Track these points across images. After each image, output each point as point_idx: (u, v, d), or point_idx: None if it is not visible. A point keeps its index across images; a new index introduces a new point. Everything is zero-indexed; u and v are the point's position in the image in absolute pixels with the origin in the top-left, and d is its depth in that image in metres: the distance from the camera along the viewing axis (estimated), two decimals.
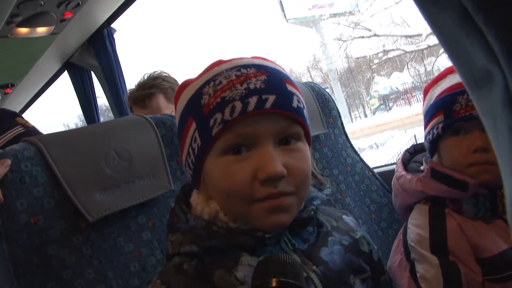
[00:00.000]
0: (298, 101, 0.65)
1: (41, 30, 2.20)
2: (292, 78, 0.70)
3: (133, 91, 1.77)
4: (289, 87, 0.65)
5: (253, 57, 0.70)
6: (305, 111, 0.67)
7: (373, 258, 0.77)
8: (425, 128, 1.04)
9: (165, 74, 1.81)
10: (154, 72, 1.81)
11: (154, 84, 1.73)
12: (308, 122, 0.68)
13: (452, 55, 0.28)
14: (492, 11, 0.23)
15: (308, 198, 0.72)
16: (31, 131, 1.45)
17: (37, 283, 0.78)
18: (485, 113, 0.27)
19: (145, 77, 1.79)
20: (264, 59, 0.70)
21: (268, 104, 0.61)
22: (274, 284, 0.52)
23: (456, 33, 0.26)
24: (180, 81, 1.14)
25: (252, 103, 0.61)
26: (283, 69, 0.70)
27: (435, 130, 0.98)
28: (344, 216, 0.81)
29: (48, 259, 0.80)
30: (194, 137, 0.66)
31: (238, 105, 0.61)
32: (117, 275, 0.86)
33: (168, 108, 1.72)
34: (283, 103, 0.63)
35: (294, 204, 0.65)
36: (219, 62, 0.69)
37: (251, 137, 0.62)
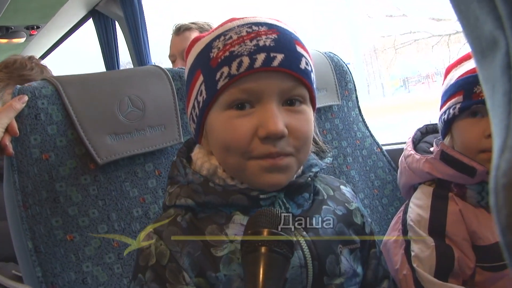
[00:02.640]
0: (307, 63, 0.65)
1: None
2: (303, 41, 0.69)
3: None
4: (299, 48, 0.65)
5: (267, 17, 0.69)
6: (312, 75, 0.67)
7: (365, 230, 0.78)
8: (441, 108, 1.02)
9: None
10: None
11: (196, 23, 1.86)
12: (315, 86, 0.69)
13: (463, 22, 0.28)
14: None
15: (307, 165, 0.72)
16: None
17: (43, 215, 0.81)
18: (486, 80, 0.27)
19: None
20: (278, 20, 0.70)
21: (275, 62, 0.61)
22: (265, 234, 0.55)
23: None
24: None
25: (259, 59, 0.61)
26: (295, 31, 0.69)
27: (451, 110, 0.97)
28: (342, 186, 0.81)
29: (56, 194, 0.83)
30: (200, 90, 0.66)
31: (246, 60, 0.61)
32: (120, 218, 0.89)
33: None
34: (291, 63, 0.63)
35: (292, 166, 0.66)
36: (232, 19, 0.69)
37: (256, 94, 0.62)
